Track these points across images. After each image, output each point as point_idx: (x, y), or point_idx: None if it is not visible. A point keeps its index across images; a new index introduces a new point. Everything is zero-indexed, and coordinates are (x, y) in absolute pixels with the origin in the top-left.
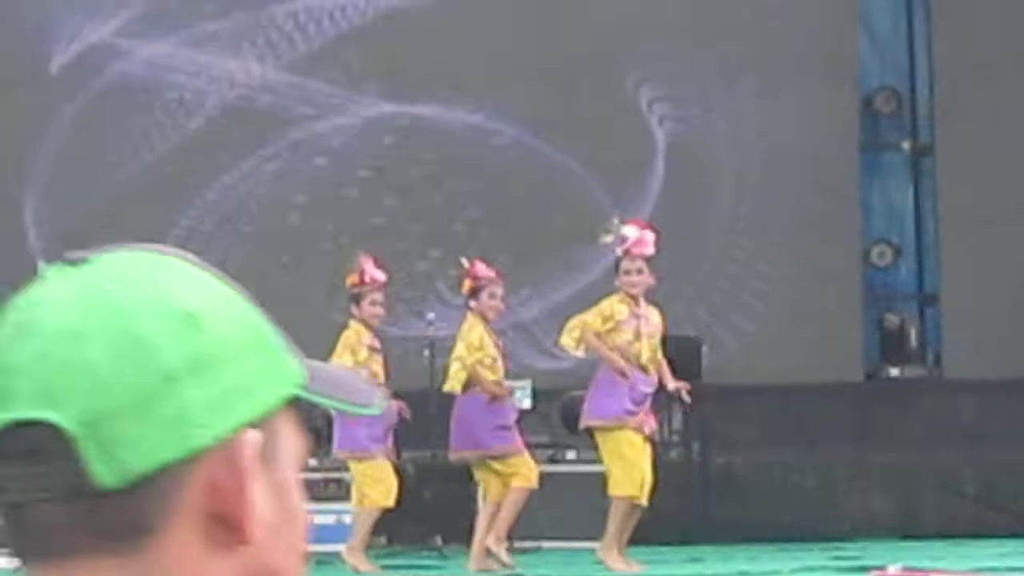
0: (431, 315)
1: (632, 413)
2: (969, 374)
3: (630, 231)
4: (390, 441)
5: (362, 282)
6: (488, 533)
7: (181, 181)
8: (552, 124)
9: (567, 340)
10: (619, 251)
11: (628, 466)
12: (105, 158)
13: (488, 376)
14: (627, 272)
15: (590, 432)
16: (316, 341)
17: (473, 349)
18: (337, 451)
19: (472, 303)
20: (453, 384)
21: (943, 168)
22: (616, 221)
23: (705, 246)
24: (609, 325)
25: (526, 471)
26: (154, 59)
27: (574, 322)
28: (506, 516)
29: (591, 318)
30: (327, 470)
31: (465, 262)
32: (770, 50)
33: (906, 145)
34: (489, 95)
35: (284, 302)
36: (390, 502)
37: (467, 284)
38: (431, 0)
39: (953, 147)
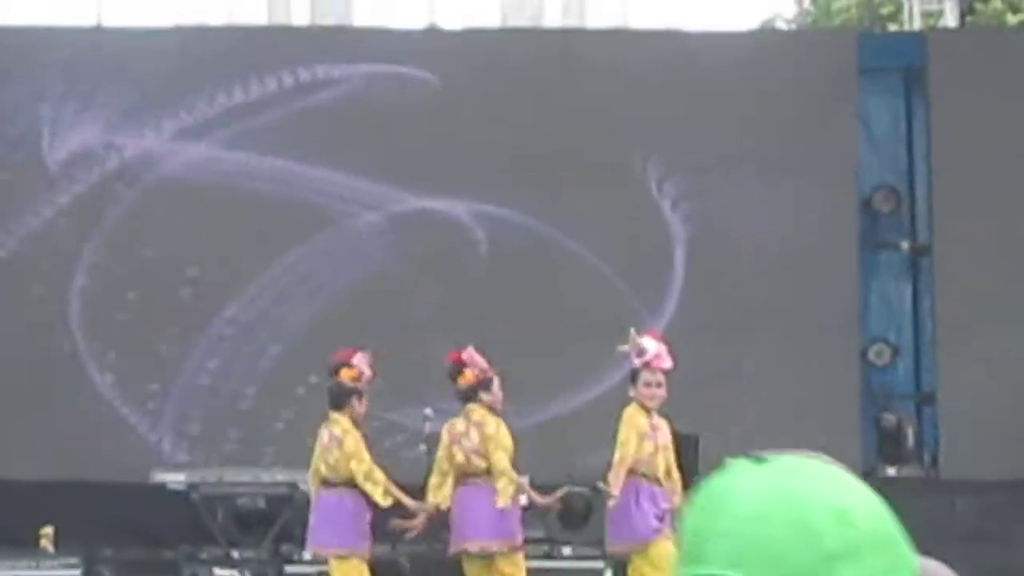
0: (428, 410)
1: (659, 530)
2: (966, 474)
3: (649, 344)
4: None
5: (359, 379)
6: None
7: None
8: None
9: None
10: (638, 363)
11: None
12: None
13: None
14: (647, 384)
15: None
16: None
17: (510, 454)
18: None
19: (484, 396)
20: (505, 501)
21: (941, 268)
22: (633, 332)
23: (701, 342)
24: None
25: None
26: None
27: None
28: None
29: (634, 445)
30: (321, 563)
31: (477, 357)
32: (769, 147)
33: (905, 244)
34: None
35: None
36: None
37: (470, 375)
38: (431, 98)
39: (952, 247)
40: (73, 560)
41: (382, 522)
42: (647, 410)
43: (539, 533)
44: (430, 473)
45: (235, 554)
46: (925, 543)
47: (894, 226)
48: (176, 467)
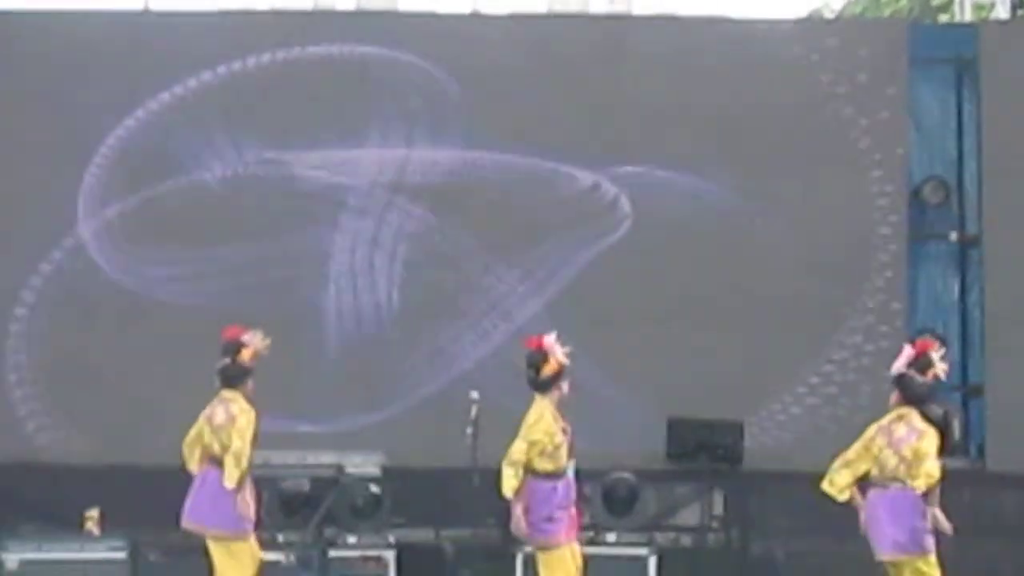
0: (474, 394)
1: None
2: (1012, 467)
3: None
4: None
5: (254, 357)
6: None
7: None
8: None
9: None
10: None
11: None
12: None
13: (544, 467)
14: None
15: None
16: None
17: (531, 447)
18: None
19: (563, 386)
20: (505, 490)
21: (990, 260)
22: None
23: (748, 330)
24: None
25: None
26: None
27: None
28: None
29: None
30: (366, 547)
31: (558, 347)
32: (817, 137)
33: (953, 236)
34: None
35: None
36: None
37: (548, 368)
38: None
39: (1001, 239)
40: (118, 543)
41: (424, 507)
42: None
43: (584, 519)
44: (475, 456)
45: (280, 537)
46: (970, 535)
47: (943, 217)
48: None
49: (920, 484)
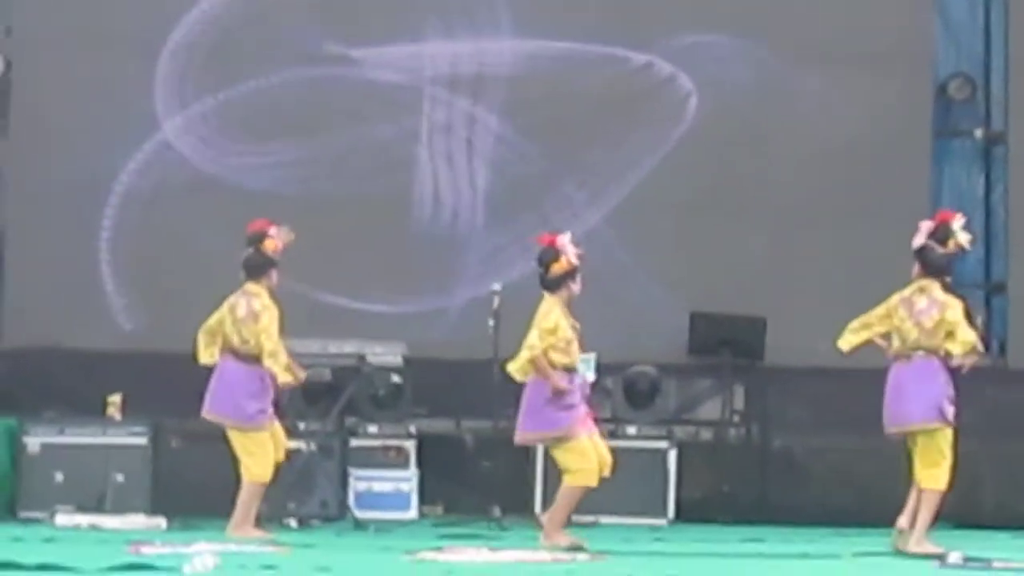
0: (496, 285)
1: None
2: None
3: None
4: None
5: (277, 250)
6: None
7: None
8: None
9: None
10: None
11: None
12: None
13: (560, 360)
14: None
15: None
16: None
17: (547, 335)
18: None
19: (572, 286)
20: (517, 374)
21: (1015, 157)
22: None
23: (770, 228)
24: None
25: (588, 466)
26: None
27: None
28: (560, 508)
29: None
30: (387, 437)
31: (571, 243)
32: (844, 34)
33: (978, 133)
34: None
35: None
36: (268, 477)
37: (558, 267)
38: None
39: None
40: (140, 428)
41: (445, 398)
42: None
43: (605, 413)
44: (497, 346)
45: (301, 426)
46: (993, 431)
47: (968, 114)
48: None
49: (958, 350)
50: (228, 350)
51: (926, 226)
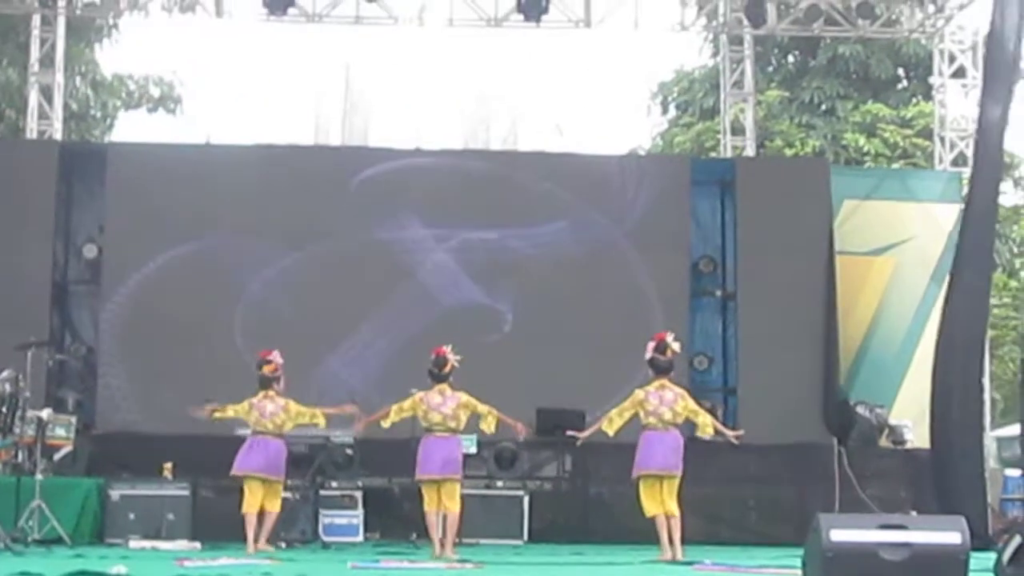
0: (414, 389)
1: None
2: (753, 440)
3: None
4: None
5: (276, 369)
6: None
7: None
8: None
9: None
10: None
11: None
12: None
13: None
14: None
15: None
16: None
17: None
18: (267, 475)
19: (447, 382)
20: (490, 427)
21: (743, 307)
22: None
23: (590, 353)
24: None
25: (458, 498)
26: None
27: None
28: (454, 529)
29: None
30: (344, 489)
31: (452, 355)
32: (634, 230)
33: (719, 293)
34: None
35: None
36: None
37: (446, 368)
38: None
39: (750, 295)
40: (183, 484)
41: (381, 464)
42: None
43: (483, 473)
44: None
45: (289, 482)
46: (725, 482)
47: (712, 281)
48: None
49: (710, 430)
50: (259, 433)
51: (650, 345)
